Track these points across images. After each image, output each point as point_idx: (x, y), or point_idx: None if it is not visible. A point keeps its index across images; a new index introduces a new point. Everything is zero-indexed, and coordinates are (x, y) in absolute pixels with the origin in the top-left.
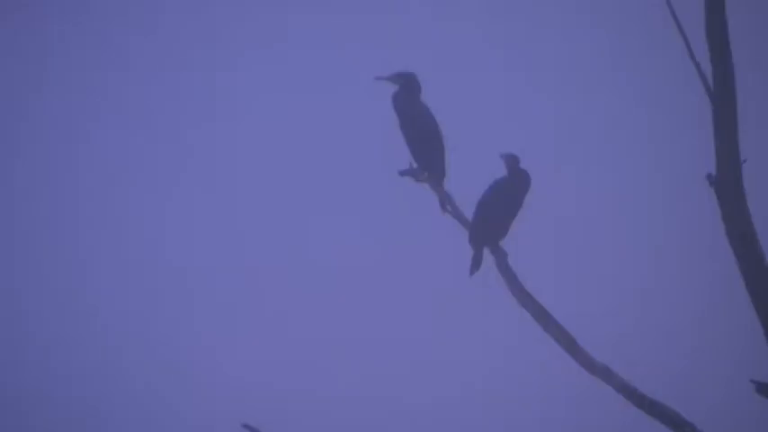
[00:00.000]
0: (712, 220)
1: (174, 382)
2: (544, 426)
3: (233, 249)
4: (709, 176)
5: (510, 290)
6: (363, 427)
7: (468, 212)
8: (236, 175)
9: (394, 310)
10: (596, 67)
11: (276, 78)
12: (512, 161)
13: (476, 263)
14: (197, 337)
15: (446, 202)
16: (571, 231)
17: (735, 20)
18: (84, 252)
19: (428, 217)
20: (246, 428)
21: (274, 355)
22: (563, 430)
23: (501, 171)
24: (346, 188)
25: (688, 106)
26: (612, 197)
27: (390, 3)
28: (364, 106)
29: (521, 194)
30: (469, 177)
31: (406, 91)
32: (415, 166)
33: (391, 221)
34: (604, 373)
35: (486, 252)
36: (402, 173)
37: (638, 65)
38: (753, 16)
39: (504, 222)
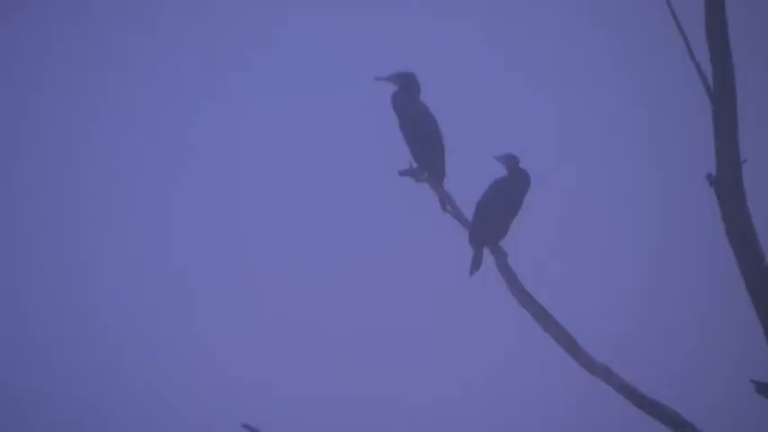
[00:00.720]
0: (712, 220)
1: (174, 382)
2: (544, 426)
3: (233, 249)
4: (709, 176)
5: (510, 290)
6: (363, 427)
7: (468, 212)
8: (237, 174)
9: (394, 309)
10: (596, 67)
11: (276, 78)
12: (511, 161)
13: (476, 263)
14: (197, 337)
15: (446, 202)
16: (571, 231)
17: (735, 20)
18: (84, 252)
19: (428, 217)
20: (246, 428)
21: (274, 354)
22: (563, 430)
23: (501, 171)
24: (346, 188)
25: (688, 106)
26: (612, 197)
27: (390, 3)
28: (364, 106)
29: (521, 194)
30: (469, 177)
31: (406, 91)
32: (415, 166)
33: (391, 221)
34: (604, 373)
35: (486, 252)
36: (402, 173)
37: (638, 65)
38: (753, 16)
39: (504, 222)
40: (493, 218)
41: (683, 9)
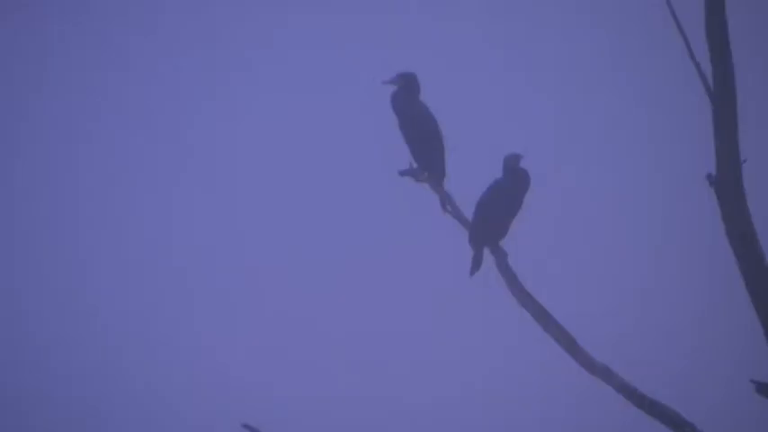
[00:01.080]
0: (712, 220)
1: (174, 382)
2: (544, 426)
3: (233, 249)
4: (709, 176)
5: (510, 290)
6: (363, 427)
7: (469, 212)
8: (237, 175)
9: (394, 310)
10: (596, 67)
11: (276, 78)
12: (511, 161)
13: (476, 263)
14: (197, 337)
15: (446, 202)
16: (571, 231)
17: (735, 20)
18: (84, 252)
19: (428, 217)
20: (246, 428)
21: (275, 354)
22: (563, 430)
23: (501, 171)
24: (346, 188)
25: (688, 106)
26: (612, 197)
27: (390, 3)
28: (364, 106)
29: (520, 194)
30: (469, 177)
31: (406, 91)
32: (415, 166)
33: (391, 221)
34: (604, 373)
35: (487, 252)
36: (402, 173)
37: (638, 65)
38: (753, 16)
39: (504, 222)
40: (493, 218)
41: (683, 9)
